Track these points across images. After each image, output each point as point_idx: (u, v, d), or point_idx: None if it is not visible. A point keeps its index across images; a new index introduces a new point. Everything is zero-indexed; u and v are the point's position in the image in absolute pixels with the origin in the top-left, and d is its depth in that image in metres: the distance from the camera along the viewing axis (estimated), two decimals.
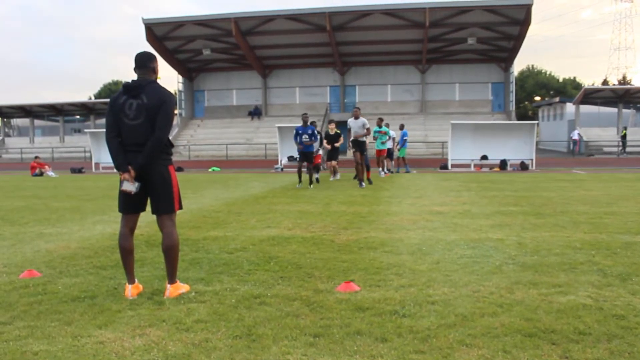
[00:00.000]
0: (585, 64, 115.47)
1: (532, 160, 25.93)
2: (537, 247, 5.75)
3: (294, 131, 14.38)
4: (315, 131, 14.24)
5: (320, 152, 16.09)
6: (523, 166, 25.37)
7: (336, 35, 35.72)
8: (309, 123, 14.22)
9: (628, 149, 33.55)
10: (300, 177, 14.46)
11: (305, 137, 13.90)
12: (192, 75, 42.87)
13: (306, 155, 14.12)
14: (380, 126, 18.16)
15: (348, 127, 14.49)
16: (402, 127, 22.94)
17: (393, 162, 22.62)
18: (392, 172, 21.65)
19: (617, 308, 3.65)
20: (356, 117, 14.21)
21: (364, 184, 14.29)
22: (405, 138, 22.71)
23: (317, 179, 15.80)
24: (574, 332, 3.22)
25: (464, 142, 26.19)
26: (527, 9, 31.91)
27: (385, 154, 19.08)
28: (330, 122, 16.60)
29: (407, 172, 22.46)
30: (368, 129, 14.18)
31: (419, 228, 7.17)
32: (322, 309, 3.71)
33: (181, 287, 4.18)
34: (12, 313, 3.74)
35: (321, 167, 19.56)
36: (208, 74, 42.77)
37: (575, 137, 34.18)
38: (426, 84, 39.66)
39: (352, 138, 14.44)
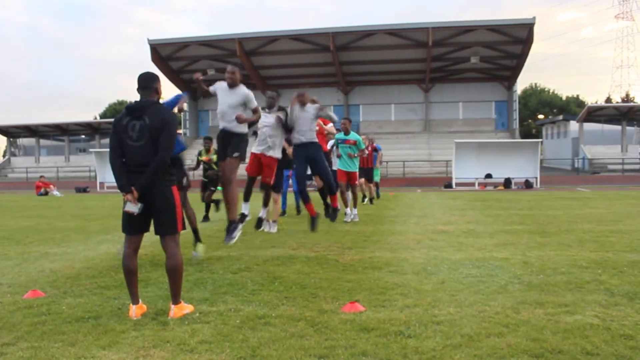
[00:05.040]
0: (588, 82, 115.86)
1: (536, 178, 25.91)
2: (542, 266, 5.71)
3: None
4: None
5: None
6: (527, 184, 25.32)
7: (340, 55, 35.99)
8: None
9: (635, 167, 33.38)
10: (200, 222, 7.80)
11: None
12: (197, 95, 43.14)
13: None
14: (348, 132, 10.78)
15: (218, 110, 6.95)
16: (372, 140, 15.67)
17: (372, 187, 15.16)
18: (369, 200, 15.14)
19: (625, 328, 3.61)
20: (232, 85, 6.78)
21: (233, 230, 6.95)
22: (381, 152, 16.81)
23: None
24: (582, 352, 3.18)
25: (468, 161, 26.22)
26: (530, 28, 32.16)
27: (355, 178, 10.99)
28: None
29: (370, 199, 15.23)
30: (256, 109, 6.89)
31: (424, 247, 7.14)
32: (327, 330, 3.68)
33: (185, 308, 4.17)
34: (15, 334, 3.72)
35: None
36: None
37: None
38: (430, 103, 39.79)
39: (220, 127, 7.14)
